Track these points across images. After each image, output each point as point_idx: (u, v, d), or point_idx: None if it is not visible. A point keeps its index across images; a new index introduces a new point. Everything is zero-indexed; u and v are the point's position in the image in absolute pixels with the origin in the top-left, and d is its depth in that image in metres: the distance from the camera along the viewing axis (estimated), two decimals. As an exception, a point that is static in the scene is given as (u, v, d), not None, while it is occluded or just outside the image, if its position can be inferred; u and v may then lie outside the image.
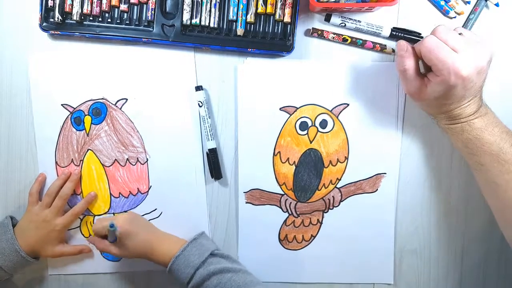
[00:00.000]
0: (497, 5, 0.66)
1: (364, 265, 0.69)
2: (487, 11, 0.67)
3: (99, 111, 0.68)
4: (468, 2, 0.67)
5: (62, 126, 0.68)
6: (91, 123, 0.68)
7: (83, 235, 0.70)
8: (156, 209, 0.69)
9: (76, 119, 0.68)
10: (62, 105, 0.68)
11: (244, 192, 0.69)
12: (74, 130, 0.68)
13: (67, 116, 0.68)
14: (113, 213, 0.70)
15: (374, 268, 0.70)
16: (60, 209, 0.67)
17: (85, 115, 0.68)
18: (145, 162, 0.69)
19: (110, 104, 0.68)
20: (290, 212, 0.69)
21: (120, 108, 0.68)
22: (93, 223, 0.69)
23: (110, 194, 0.69)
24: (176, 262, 0.61)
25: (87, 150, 0.69)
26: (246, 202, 0.69)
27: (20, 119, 0.68)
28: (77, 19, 0.65)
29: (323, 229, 0.69)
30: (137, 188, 0.69)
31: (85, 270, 0.71)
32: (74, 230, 0.70)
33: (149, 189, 0.69)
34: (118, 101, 0.68)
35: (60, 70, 0.68)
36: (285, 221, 0.69)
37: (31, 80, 0.68)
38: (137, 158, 0.69)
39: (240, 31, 0.65)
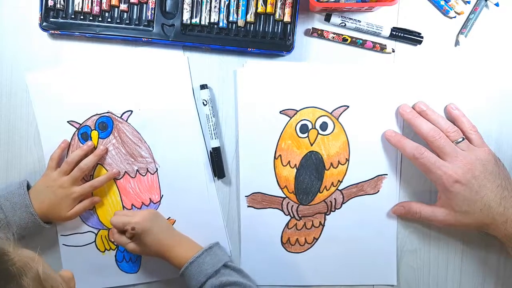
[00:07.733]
0: (497, 5, 0.66)
1: (367, 266, 0.69)
2: (487, 11, 0.67)
3: (105, 125, 0.68)
4: (468, 2, 0.67)
5: (70, 142, 0.68)
6: (98, 137, 0.68)
7: (98, 249, 0.69)
8: (169, 217, 0.69)
9: (83, 134, 0.68)
10: (68, 122, 0.68)
11: (245, 196, 0.68)
12: (82, 145, 0.68)
13: (74, 133, 0.68)
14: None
15: (377, 269, 0.69)
16: (78, 179, 0.66)
17: (92, 130, 0.68)
18: (155, 172, 0.69)
19: (116, 117, 0.68)
20: (292, 215, 0.69)
21: (126, 120, 0.68)
22: (108, 236, 0.69)
23: (123, 206, 0.69)
24: (190, 267, 0.61)
25: (97, 165, 0.68)
26: (248, 206, 0.69)
27: (20, 118, 0.68)
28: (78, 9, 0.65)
29: (325, 231, 0.69)
30: (149, 198, 0.69)
31: (104, 284, 0.69)
32: (89, 246, 0.69)
33: (161, 198, 0.69)
34: (123, 113, 0.68)
35: (61, 87, 0.67)
36: (287, 224, 0.69)
37: (32, 101, 0.68)
38: (147, 169, 0.69)
39: (240, 22, 0.65)
